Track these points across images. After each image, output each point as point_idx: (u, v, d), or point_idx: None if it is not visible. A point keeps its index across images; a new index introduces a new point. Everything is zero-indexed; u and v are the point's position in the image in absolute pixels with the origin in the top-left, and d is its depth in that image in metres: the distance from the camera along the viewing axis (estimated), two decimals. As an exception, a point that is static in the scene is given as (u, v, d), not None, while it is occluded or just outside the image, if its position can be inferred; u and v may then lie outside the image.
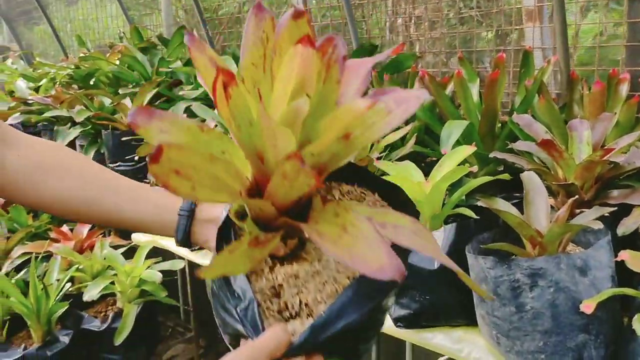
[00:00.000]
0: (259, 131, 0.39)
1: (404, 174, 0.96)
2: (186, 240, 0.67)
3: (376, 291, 0.40)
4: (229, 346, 0.48)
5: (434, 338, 0.91)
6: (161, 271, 1.59)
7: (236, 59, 1.65)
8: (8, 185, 0.65)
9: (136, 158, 1.30)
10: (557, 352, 0.75)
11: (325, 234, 0.38)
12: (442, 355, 1.54)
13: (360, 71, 0.45)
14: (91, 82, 2.02)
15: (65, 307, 1.46)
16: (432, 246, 0.40)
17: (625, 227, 0.84)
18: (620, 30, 1.46)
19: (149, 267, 1.56)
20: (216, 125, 1.36)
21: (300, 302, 0.41)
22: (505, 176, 0.92)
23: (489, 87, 1.15)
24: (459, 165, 0.92)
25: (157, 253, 1.65)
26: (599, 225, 0.75)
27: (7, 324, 1.46)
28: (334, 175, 0.44)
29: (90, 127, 1.83)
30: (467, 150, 0.95)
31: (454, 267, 0.38)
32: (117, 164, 1.71)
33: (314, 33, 0.44)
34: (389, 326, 0.97)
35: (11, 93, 2.36)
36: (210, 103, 1.55)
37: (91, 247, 1.72)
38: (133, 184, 0.68)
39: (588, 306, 0.73)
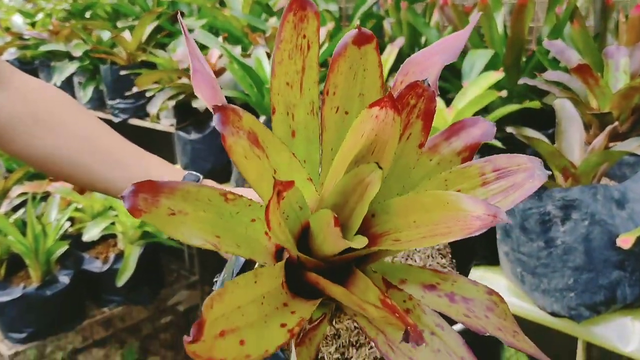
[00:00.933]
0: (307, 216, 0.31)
1: None
2: None
3: None
4: None
5: (451, 277, 0.85)
6: (164, 213, 1.54)
7: None
8: None
9: (135, 89, 1.22)
10: (588, 289, 0.69)
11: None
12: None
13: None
14: (88, 16, 1.92)
15: (65, 247, 1.42)
16: (511, 326, 0.33)
17: (666, 159, 0.77)
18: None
19: (150, 207, 1.51)
20: (221, 56, 1.27)
21: None
22: (536, 104, 0.84)
23: (517, 13, 1.05)
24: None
25: (160, 194, 1.58)
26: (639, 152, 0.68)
27: (4, 263, 1.42)
28: None
29: (88, 62, 1.74)
30: (494, 76, 0.87)
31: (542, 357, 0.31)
32: (116, 101, 1.64)
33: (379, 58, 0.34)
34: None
35: (7, 30, 2.26)
36: (213, 28, 1.46)
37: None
38: (131, 153, 0.61)
39: (626, 240, 0.66)
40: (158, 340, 2.39)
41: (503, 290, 0.80)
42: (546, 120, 0.93)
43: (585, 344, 1.31)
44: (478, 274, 0.84)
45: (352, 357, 0.35)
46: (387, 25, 1.35)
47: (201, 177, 0.62)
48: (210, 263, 2.63)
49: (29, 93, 0.60)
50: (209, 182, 0.63)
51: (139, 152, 0.63)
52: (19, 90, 0.59)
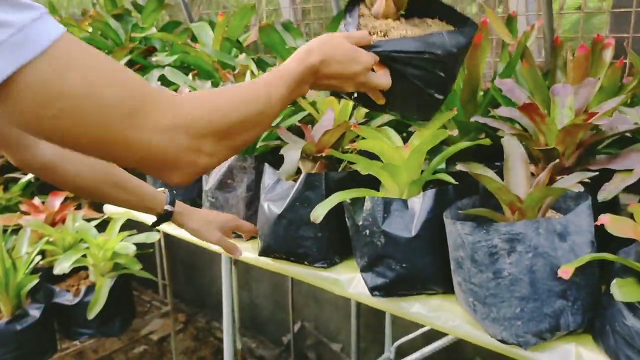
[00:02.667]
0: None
1: (381, 139, 0.93)
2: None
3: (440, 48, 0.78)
4: None
5: (411, 307, 0.89)
6: (136, 244, 1.56)
7: (212, 26, 1.59)
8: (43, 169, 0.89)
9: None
10: (533, 318, 0.73)
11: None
12: (421, 326, 1.53)
13: None
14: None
15: (35, 281, 1.42)
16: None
17: (606, 192, 0.82)
18: (605, 4, 1.43)
19: (122, 239, 1.52)
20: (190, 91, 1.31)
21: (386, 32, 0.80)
22: (486, 141, 0.89)
23: (471, 52, 1.11)
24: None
25: (132, 226, 1.60)
26: (580, 188, 0.73)
27: (-26, 298, 1.41)
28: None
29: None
30: (447, 115, 0.92)
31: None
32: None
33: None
34: (366, 296, 0.94)
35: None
36: (184, 69, 1.49)
37: (63, 220, 1.67)
38: (134, 181, 1.01)
39: (566, 271, 0.71)
40: (131, 371, 2.37)
41: (459, 317, 0.84)
42: (501, 152, 0.98)
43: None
44: (436, 302, 0.87)
45: None
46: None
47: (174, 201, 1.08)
48: (182, 293, 2.63)
49: None
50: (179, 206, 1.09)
51: (137, 180, 1.02)
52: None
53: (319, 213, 0.89)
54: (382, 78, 0.78)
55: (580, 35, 1.35)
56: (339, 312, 2.18)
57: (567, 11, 1.47)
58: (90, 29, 1.93)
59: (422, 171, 0.92)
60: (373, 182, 0.94)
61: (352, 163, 1.13)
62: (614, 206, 0.91)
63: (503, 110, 1.02)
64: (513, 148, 0.86)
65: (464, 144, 0.88)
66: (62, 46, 0.46)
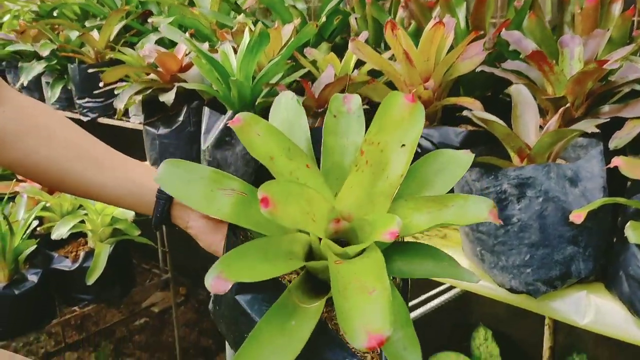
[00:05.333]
0: None
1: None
2: (163, 222, 0.67)
3: None
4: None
5: (416, 260, 0.87)
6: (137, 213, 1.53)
7: None
8: None
9: (101, 84, 1.21)
10: (543, 265, 0.71)
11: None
12: (435, 286, 1.51)
13: None
14: (55, 14, 1.90)
15: (33, 246, 1.40)
16: None
17: (617, 139, 0.79)
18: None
19: (121, 205, 1.50)
20: (188, 53, 1.28)
21: None
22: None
23: (477, 7, 1.09)
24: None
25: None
26: (594, 129, 0.70)
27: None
28: None
29: (55, 61, 1.72)
30: (467, 66, 0.90)
31: None
32: (85, 100, 1.63)
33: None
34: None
35: (-27, 32, 2.22)
36: (181, 27, 1.46)
37: (61, 188, 1.65)
38: (116, 158, 0.68)
39: (578, 215, 0.68)
40: (132, 343, 2.37)
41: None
42: (503, 110, 0.95)
43: (552, 324, 1.34)
44: (441, 256, 0.85)
45: None
46: (353, 21, 1.37)
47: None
48: (182, 261, 2.61)
49: (22, 109, 0.65)
50: None
51: (121, 157, 0.69)
52: (13, 107, 0.64)
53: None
54: None
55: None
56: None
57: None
58: (85, -5, 1.89)
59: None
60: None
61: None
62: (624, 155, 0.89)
63: (510, 64, 1.00)
64: (522, 95, 0.84)
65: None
66: None
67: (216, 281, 0.40)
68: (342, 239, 0.53)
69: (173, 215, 0.67)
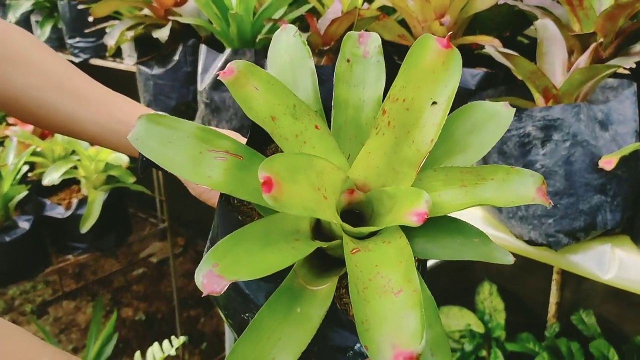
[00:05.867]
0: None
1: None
2: (150, 165, 0.61)
3: None
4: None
5: (425, 210, 0.81)
6: (130, 157, 1.47)
7: None
8: None
9: (90, 19, 1.13)
10: (567, 215, 0.65)
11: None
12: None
13: None
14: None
15: (24, 192, 1.35)
16: None
17: (652, 80, 0.72)
18: None
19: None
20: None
21: None
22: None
23: None
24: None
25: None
26: (631, 64, 0.63)
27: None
28: None
29: (44, -2, 1.63)
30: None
31: None
32: (76, 40, 1.54)
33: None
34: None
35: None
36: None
37: (53, 134, 1.58)
38: (100, 93, 0.62)
39: (609, 161, 0.62)
40: (130, 292, 2.36)
41: (478, 220, 0.77)
42: (522, 52, 0.88)
43: (559, 280, 1.30)
44: (453, 205, 0.80)
45: None
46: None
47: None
48: (179, 210, 2.57)
49: (2, 34, 0.59)
50: None
51: (105, 90, 0.62)
52: None
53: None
54: None
55: None
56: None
57: None
58: None
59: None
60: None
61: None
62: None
63: (532, 0, 0.91)
64: (549, 31, 0.76)
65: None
66: None
67: (209, 279, 0.31)
68: (356, 210, 0.45)
69: None
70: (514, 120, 0.66)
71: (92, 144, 0.66)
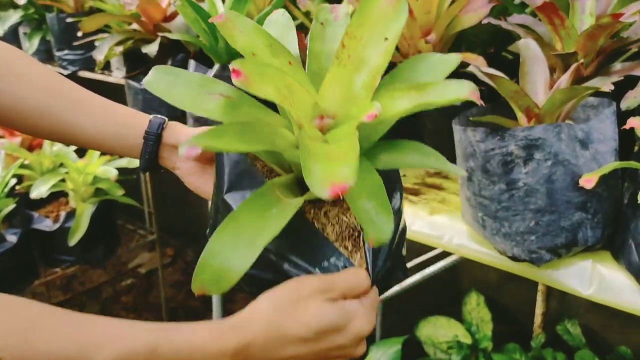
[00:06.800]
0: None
1: None
2: (151, 165, 0.65)
3: None
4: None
5: (413, 225, 0.83)
6: (118, 170, 1.47)
7: None
8: None
9: (80, 34, 1.14)
10: (549, 232, 0.67)
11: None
12: (429, 250, 1.48)
13: None
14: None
15: (12, 205, 1.35)
16: None
17: (630, 99, 0.74)
18: None
19: (103, 164, 1.44)
20: (172, 2, 1.20)
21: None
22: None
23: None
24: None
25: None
26: (610, 86, 0.65)
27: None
28: None
29: (33, 10, 1.63)
30: (471, 19, 0.84)
31: None
32: (64, 52, 1.54)
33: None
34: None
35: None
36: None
37: (40, 146, 1.58)
38: (97, 100, 0.64)
39: (589, 180, 0.64)
40: (119, 303, 2.35)
41: (464, 234, 0.78)
42: (506, 69, 0.90)
43: (544, 291, 1.32)
44: (439, 220, 0.81)
45: None
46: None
47: (166, 119, 0.65)
48: (169, 222, 2.57)
49: None
50: (174, 123, 0.66)
51: (101, 98, 0.64)
52: None
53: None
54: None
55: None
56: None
57: None
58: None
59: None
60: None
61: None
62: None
63: (516, 18, 0.93)
64: (531, 50, 0.78)
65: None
66: None
67: (189, 149, 0.40)
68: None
69: (161, 157, 0.65)
70: (497, 140, 0.68)
71: (94, 150, 0.68)
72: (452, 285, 1.65)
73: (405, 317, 1.70)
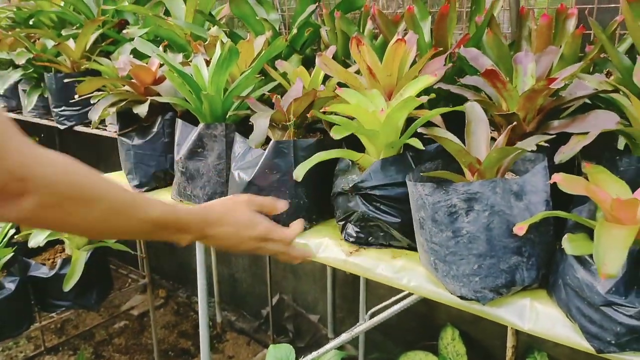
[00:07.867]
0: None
1: (363, 103, 0.95)
2: None
3: None
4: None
5: (377, 268, 0.92)
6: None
7: (184, -2, 1.58)
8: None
9: (76, 97, 1.24)
10: (490, 274, 0.76)
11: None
12: (395, 294, 1.57)
13: None
14: (31, 22, 1.92)
15: (10, 254, 1.43)
16: None
17: (562, 154, 0.85)
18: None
19: (97, 213, 1.53)
20: (162, 65, 1.31)
21: None
22: (462, 108, 0.91)
23: (438, 22, 1.13)
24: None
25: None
26: (534, 148, 0.76)
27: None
28: None
29: (32, 70, 1.74)
30: (428, 79, 0.94)
31: None
32: (61, 108, 1.65)
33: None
34: (333, 259, 0.97)
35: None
36: (157, 42, 1.49)
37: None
38: (139, 198, 0.69)
39: (520, 228, 0.74)
40: (112, 345, 2.40)
41: (421, 276, 0.87)
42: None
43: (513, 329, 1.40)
44: (400, 264, 0.90)
45: None
46: (324, 33, 1.42)
47: None
48: (161, 264, 2.64)
49: (52, 186, 0.57)
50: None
51: (141, 197, 0.70)
52: (46, 192, 0.56)
53: (299, 172, 0.95)
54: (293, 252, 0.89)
55: (547, 8, 1.37)
56: (316, 285, 2.22)
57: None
58: (62, 3, 1.91)
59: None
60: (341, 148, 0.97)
61: (321, 131, 1.15)
62: (571, 170, 0.94)
63: (468, 79, 1.05)
64: (475, 113, 0.89)
65: (441, 110, 0.91)
66: None
67: None
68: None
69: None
70: (442, 194, 0.78)
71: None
72: (429, 320, 1.73)
73: (386, 352, 1.77)
